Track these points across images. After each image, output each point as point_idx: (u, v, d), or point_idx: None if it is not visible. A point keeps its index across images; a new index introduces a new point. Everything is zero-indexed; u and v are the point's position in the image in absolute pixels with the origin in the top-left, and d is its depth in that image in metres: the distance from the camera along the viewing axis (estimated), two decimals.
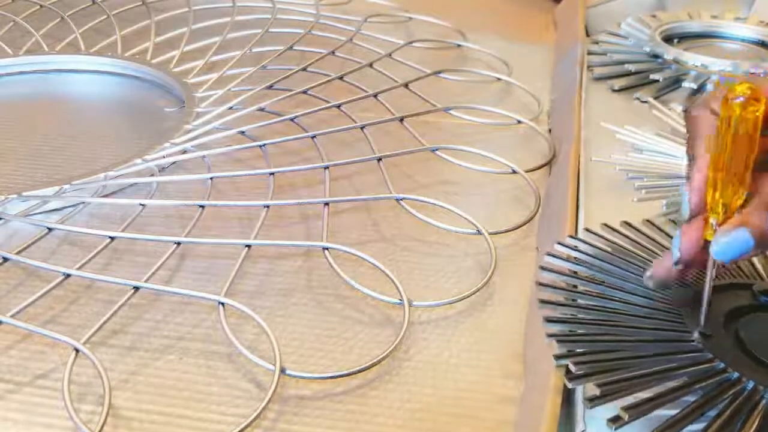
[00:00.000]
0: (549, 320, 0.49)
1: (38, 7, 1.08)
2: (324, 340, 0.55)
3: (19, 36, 1.01)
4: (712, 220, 0.44)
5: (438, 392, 0.51)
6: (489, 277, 0.59)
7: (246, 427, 0.46)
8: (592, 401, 0.42)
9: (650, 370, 0.44)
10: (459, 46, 1.01)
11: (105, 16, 1.04)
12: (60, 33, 1.01)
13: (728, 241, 0.43)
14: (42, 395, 0.50)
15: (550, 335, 0.48)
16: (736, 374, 0.43)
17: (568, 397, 0.46)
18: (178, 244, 0.61)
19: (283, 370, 0.50)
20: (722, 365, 0.44)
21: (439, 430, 0.48)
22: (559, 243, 0.57)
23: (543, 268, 0.55)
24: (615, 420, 0.41)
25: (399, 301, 0.56)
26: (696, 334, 0.46)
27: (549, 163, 0.75)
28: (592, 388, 0.43)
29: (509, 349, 0.54)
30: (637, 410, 0.41)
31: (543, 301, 0.51)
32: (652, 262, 0.52)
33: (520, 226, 0.65)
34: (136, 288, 0.56)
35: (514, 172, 0.71)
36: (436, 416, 0.49)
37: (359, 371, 0.51)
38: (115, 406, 0.49)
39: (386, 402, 0.50)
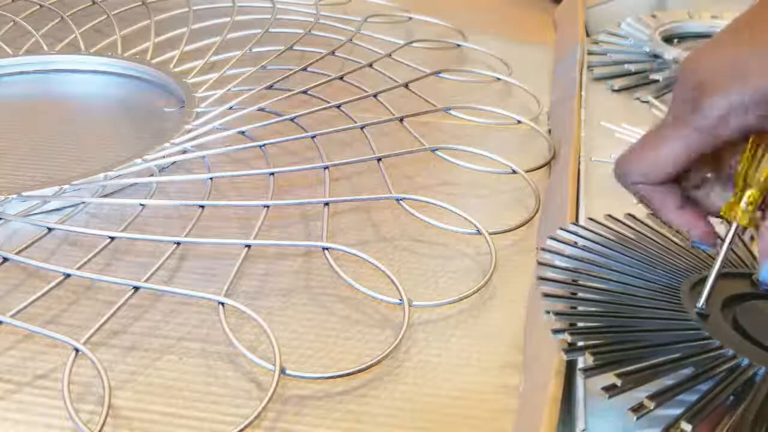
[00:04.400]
0: (547, 295, 0.50)
1: (38, 7, 1.08)
2: (324, 340, 0.55)
3: (19, 36, 1.01)
4: (742, 204, 0.45)
5: (438, 392, 0.51)
6: (489, 277, 0.59)
7: (246, 427, 0.46)
8: (588, 372, 0.43)
9: (646, 343, 0.45)
10: (459, 46, 1.01)
11: (105, 16, 1.04)
12: (60, 33, 1.01)
13: None
14: (42, 395, 0.50)
15: (549, 311, 0.48)
16: (730, 351, 0.44)
17: (568, 396, 0.46)
18: (178, 244, 0.61)
19: (283, 370, 0.50)
20: (717, 342, 0.44)
21: (438, 430, 0.48)
22: (562, 228, 0.57)
23: (544, 249, 0.55)
24: (609, 388, 0.41)
25: (399, 301, 0.56)
26: (693, 314, 0.46)
27: (549, 163, 0.75)
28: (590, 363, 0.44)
29: (509, 349, 0.54)
30: (631, 378, 0.41)
31: (542, 278, 0.52)
32: (654, 249, 0.53)
33: (520, 226, 0.65)
34: (136, 288, 0.56)
35: (514, 172, 0.71)
36: (435, 416, 0.49)
37: (359, 371, 0.51)
38: (115, 406, 0.49)
39: (386, 402, 0.50)
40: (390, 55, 0.93)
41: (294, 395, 0.50)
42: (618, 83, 0.86)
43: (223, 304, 0.54)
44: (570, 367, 0.47)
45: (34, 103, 0.92)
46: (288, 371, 0.50)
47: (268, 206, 0.65)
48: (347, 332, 0.55)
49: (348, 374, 0.51)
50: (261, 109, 0.81)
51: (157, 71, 0.93)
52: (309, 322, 0.56)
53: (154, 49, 0.96)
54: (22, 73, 0.96)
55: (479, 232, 0.63)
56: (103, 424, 0.46)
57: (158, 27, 1.00)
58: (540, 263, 0.54)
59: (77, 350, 0.51)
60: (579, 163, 0.70)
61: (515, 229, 0.65)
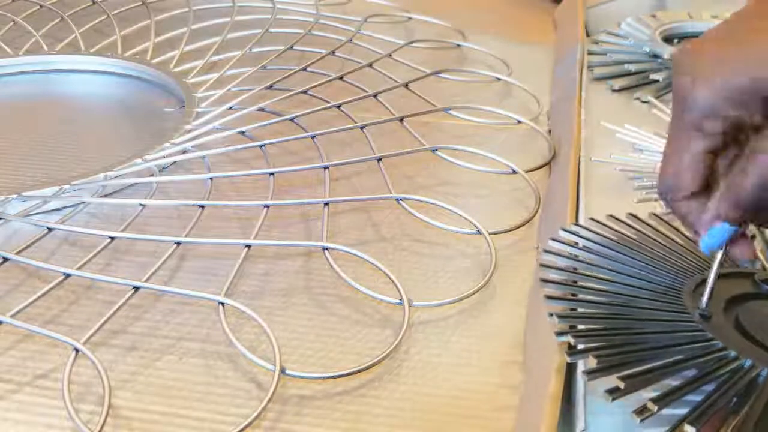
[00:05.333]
0: (550, 298, 0.50)
1: (38, 7, 1.08)
2: (324, 340, 0.55)
3: (19, 36, 1.01)
4: None
5: (437, 392, 0.51)
6: (489, 277, 0.59)
7: (246, 426, 0.46)
8: (590, 374, 0.43)
9: (649, 346, 0.45)
10: (459, 46, 1.01)
11: (105, 16, 1.04)
12: (60, 33, 1.01)
13: (709, 238, 0.44)
14: (42, 395, 0.50)
15: (552, 314, 0.48)
16: (733, 353, 0.44)
17: (568, 396, 0.46)
18: (178, 244, 0.61)
19: (283, 370, 0.50)
20: (720, 344, 0.44)
21: (438, 430, 0.48)
22: (563, 229, 0.57)
23: (546, 251, 0.55)
24: (612, 391, 0.41)
25: (399, 301, 0.56)
26: (696, 315, 0.46)
27: (549, 163, 0.75)
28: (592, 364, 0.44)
29: (509, 349, 0.54)
30: (634, 381, 0.42)
31: (544, 280, 0.52)
32: (656, 249, 0.53)
33: (520, 226, 0.65)
34: (136, 288, 0.56)
35: (514, 172, 0.71)
36: (435, 416, 0.49)
37: (359, 371, 0.51)
38: (115, 406, 0.49)
39: (386, 402, 0.50)
40: (390, 55, 0.93)
41: (294, 395, 0.50)
42: (618, 83, 0.86)
43: (223, 304, 0.54)
44: (570, 367, 0.47)
45: (34, 103, 0.92)
46: (288, 371, 0.50)
47: (268, 206, 0.65)
48: (347, 332, 0.55)
49: (348, 374, 0.51)
50: (261, 109, 0.81)
51: (157, 71, 0.93)
52: (309, 322, 0.56)
53: (154, 49, 0.96)
54: (22, 73, 0.96)
55: (479, 232, 0.63)
56: (103, 424, 0.46)
57: (158, 27, 1.00)
58: (542, 265, 0.54)
59: (77, 350, 0.51)
60: (579, 163, 0.70)
61: (515, 229, 0.65)
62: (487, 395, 0.50)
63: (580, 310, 0.49)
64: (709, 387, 0.42)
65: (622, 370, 0.42)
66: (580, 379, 0.46)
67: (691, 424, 0.39)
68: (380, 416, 0.49)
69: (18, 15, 1.05)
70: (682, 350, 0.44)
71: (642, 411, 0.41)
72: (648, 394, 0.41)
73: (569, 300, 0.50)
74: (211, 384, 0.51)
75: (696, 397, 0.41)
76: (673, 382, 0.42)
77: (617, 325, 0.47)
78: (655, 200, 0.64)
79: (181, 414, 0.49)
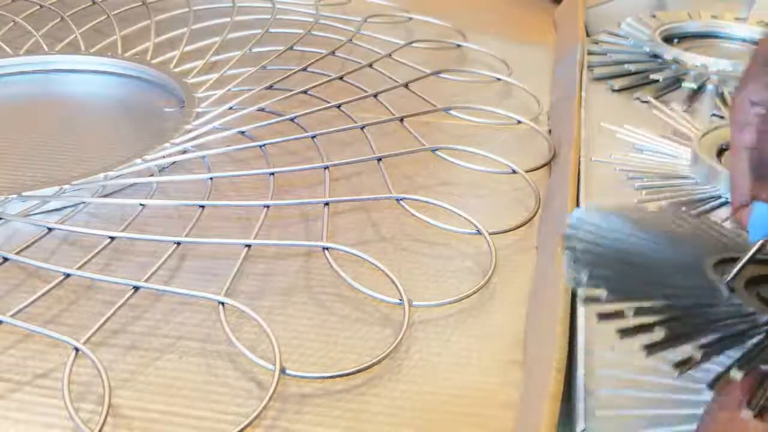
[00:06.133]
0: (575, 261, 0.48)
1: (38, 7, 1.08)
2: (324, 339, 0.55)
3: (19, 36, 1.01)
4: None
5: (438, 392, 0.51)
6: (489, 277, 0.59)
7: (246, 426, 0.46)
8: (651, 348, 0.41)
9: (700, 320, 0.43)
10: (459, 46, 1.01)
11: (105, 16, 1.04)
12: (60, 33, 1.01)
13: (753, 224, 0.43)
14: (42, 395, 0.50)
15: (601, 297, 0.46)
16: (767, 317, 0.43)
17: (568, 395, 0.46)
18: (178, 244, 0.61)
19: (283, 370, 0.50)
20: (752, 309, 0.43)
21: (438, 430, 0.48)
22: (576, 214, 0.55)
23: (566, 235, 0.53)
24: (684, 363, 0.40)
25: (399, 301, 0.56)
26: (723, 286, 0.46)
27: (549, 163, 0.75)
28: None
29: (509, 349, 0.54)
30: (708, 350, 0.40)
31: (569, 248, 0.50)
32: (670, 230, 0.52)
33: (520, 226, 0.65)
34: (136, 288, 0.56)
35: (514, 172, 0.71)
36: (436, 416, 0.49)
37: (359, 371, 0.51)
38: (115, 406, 0.49)
39: (386, 400, 0.50)
40: (390, 55, 0.93)
41: (294, 393, 0.50)
42: (618, 83, 0.86)
43: (223, 303, 0.54)
44: (570, 366, 0.47)
45: (34, 103, 0.92)
46: (288, 371, 0.50)
47: (268, 206, 0.65)
48: (347, 332, 0.55)
49: (348, 374, 0.51)
50: (261, 109, 0.81)
51: (157, 71, 0.92)
52: (309, 322, 0.56)
53: (154, 49, 0.96)
54: (22, 73, 0.96)
55: (479, 232, 0.63)
56: (103, 424, 0.46)
57: (158, 27, 1.00)
58: (564, 236, 0.51)
59: (77, 350, 0.51)
60: (579, 163, 0.70)
61: (515, 229, 0.65)
62: (487, 394, 0.50)
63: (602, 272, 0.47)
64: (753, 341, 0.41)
65: (688, 341, 0.41)
66: (580, 379, 0.46)
67: (740, 368, 0.39)
68: (380, 415, 0.49)
69: (18, 15, 1.05)
70: (715, 312, 0.43)
71: (685, 362, 0.39)
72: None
73: (612, 289, 0.48)
74: (212, 383, 0.51)
75: (724, 359, 0.41)
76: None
77: (659, 296, 0.46)
78: (656, 200, 0.64)
79: (181, 413, 0.49)
